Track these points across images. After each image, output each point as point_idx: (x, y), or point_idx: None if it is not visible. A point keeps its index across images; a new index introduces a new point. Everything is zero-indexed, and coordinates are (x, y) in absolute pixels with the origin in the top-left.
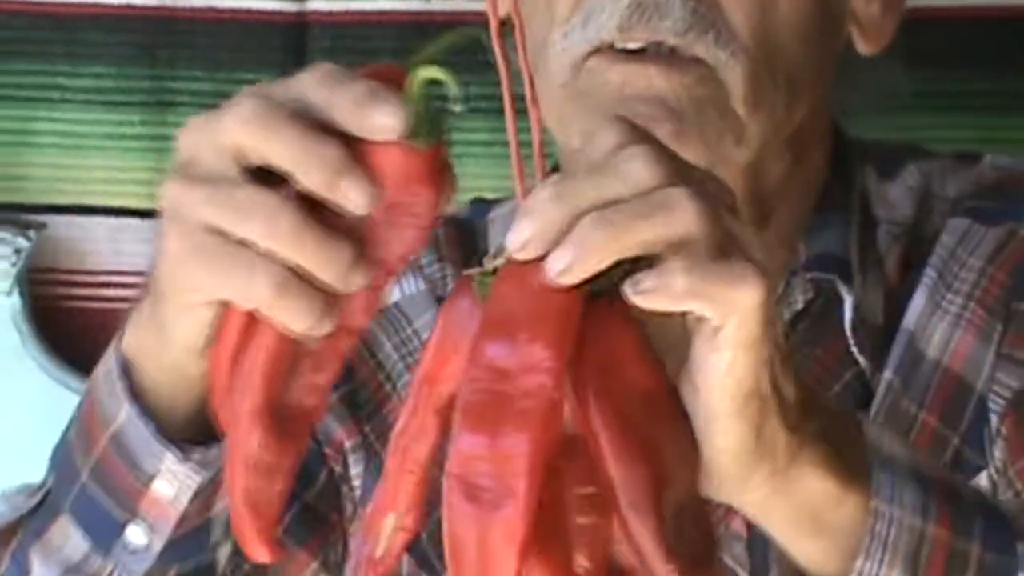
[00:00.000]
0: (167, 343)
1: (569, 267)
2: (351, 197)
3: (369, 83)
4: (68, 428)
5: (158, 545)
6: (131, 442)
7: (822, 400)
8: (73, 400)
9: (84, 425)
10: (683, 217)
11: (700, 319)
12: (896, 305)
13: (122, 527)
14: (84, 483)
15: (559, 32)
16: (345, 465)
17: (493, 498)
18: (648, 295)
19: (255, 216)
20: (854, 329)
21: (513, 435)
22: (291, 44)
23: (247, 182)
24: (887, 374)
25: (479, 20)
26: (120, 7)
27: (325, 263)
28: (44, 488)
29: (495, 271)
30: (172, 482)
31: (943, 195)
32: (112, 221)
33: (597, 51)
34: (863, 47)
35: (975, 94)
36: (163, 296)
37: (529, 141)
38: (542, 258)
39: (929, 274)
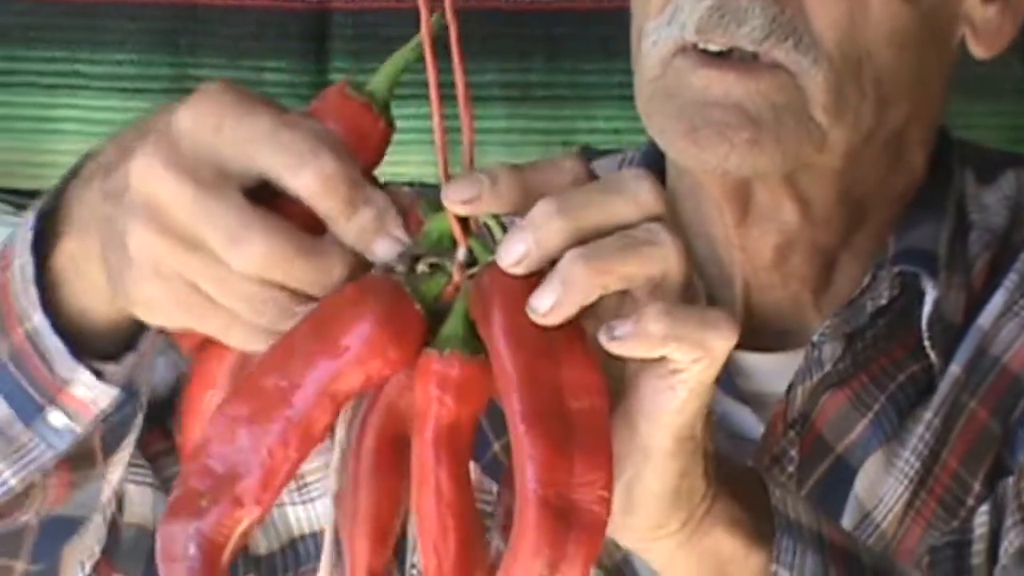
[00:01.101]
0: (113, 295)
1: (554, 307)
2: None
3: (372, 207)
4: None
5: (80, 429)
6: (45, 346)
7: (732, 461)
8: None
9: (1, 303)
10: (666, 255)
11: (657, 360)
12: (976, 308)
13: (42, 408)
14: (4, 362)
15: (652, 24)
16: None
17: (577, 521)
18: (624, 341)
19: (242, 300)
20: (930, 324)
21: (589, 460)
22: (313, 32)
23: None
24: (953, 367)
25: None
26: None
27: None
28: None
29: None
30: (89, 390)
31: None
32: None
33: (684, 49)
34: (977, 50)
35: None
36: (122, 277)
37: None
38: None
39: (1012, 278)
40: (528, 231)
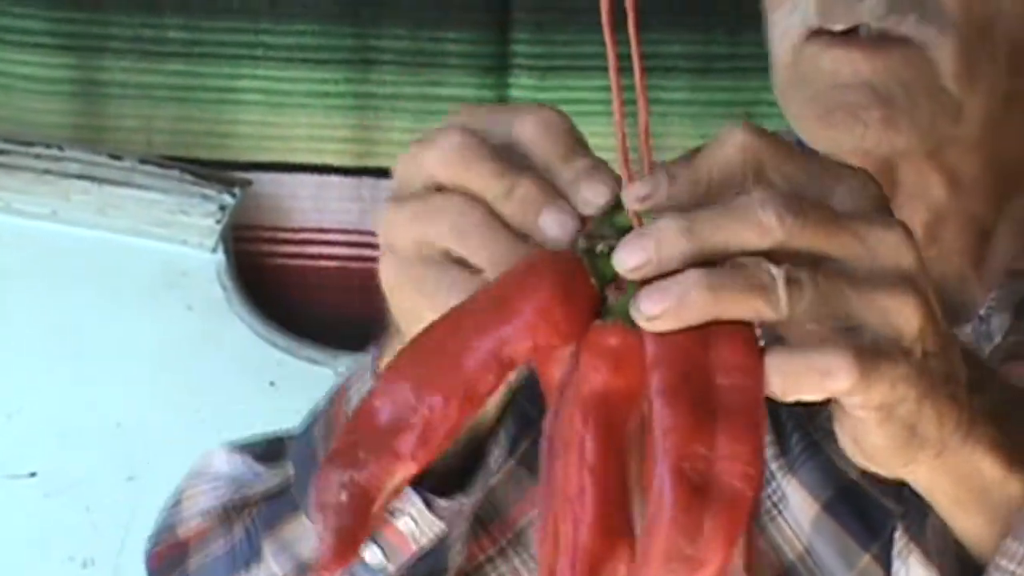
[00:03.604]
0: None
1: (661, 316)
2: (549, 229)
3: (590, 158)
4: (312, 422)
5: (393, 569)
6: None
7: (996, 377)
8: (276, 355)
9: (331, 432)
10: (782, 304)
11: None
12: None
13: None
14: None
15: (778, 14)
16: None
17: (717, 496)
18: None
19: (444, 217)
20: None
21: (733, 435)
22: (495, 2)
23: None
24: None
25: None
26: None
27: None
28: (282, 470)
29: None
30: (415, 523)
31: None
32: (315, 178)
33: (811, 34)
34: None
35: None
36: (402, 335)
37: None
38: None
39: None
40: (651, 242)
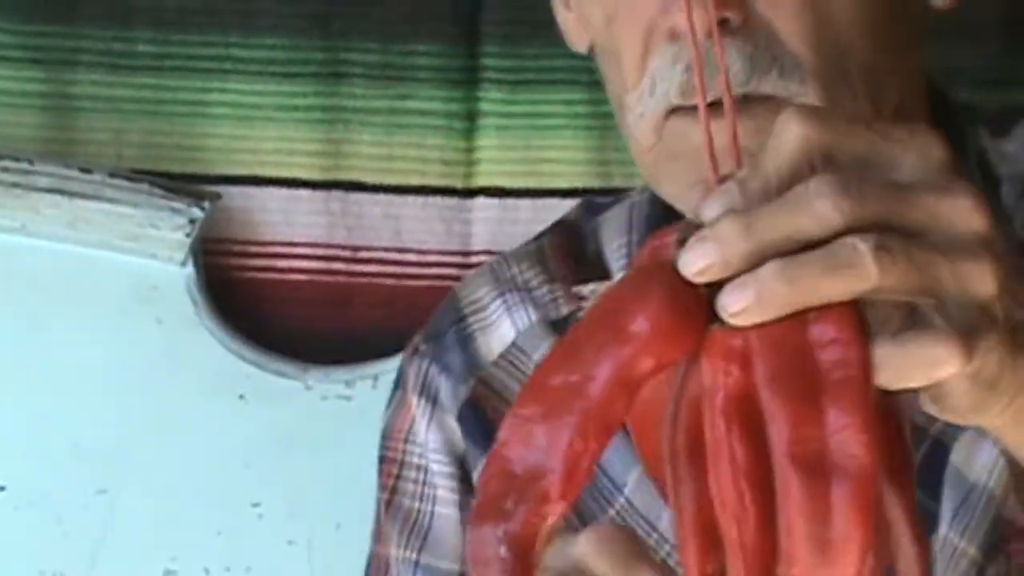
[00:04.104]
0: None
1: (745, 311)
2: None
3: None
4: None
5: None
6: None
7: None
8: (246, 369)
9: None
10: (867, 276)
11: None
12: None
13: None
14: None
15: (632, 96)
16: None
17: (836, 471)
18: None
19: None
20: None
21: (841, 407)
22: (465, 15)
23: None
24: None
25: None
26: None
27: None
28: None
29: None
30: None
31: None
32: (285, 192)
33: (673, 111)
34: (938, 1)
35: None
36: None
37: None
38: None
39: None
40: (712, 245)
